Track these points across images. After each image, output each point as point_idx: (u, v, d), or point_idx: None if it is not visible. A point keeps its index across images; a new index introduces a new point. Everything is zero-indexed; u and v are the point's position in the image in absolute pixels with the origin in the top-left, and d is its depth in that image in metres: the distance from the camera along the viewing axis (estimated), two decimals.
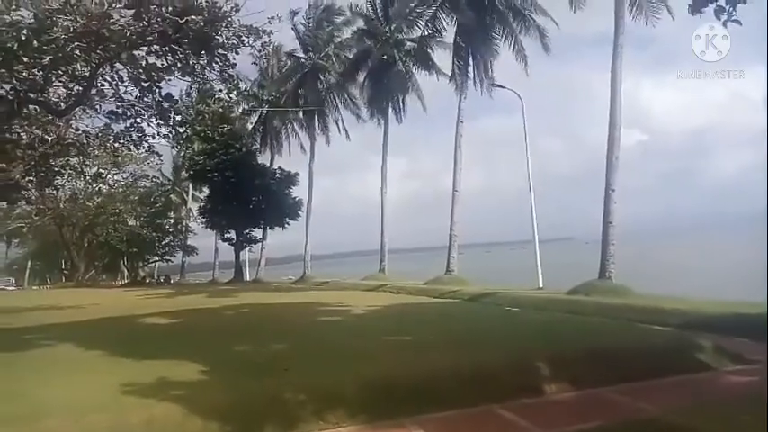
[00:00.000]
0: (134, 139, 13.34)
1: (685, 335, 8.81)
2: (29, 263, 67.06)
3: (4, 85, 10.87)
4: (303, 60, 36.50)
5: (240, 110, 36.88)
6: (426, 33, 27.96)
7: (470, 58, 25.62)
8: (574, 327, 10.09)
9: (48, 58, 9.71)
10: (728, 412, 5.04)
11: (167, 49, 11.22)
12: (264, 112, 40.13)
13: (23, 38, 8.82)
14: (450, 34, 26.52)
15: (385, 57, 30.11)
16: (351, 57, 33.81)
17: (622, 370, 6.64)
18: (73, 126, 15.14)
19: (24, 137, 13.86)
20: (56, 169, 16.77)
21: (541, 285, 19.32)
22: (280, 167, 40.19)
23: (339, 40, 36.03)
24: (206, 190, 43.27)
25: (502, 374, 6.36)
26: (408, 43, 30.82)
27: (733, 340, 8.33)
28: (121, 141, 13.89)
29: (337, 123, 37.10)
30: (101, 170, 30.03)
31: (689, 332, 9.07)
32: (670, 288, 16.66)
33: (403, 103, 32.28)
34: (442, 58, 29.16)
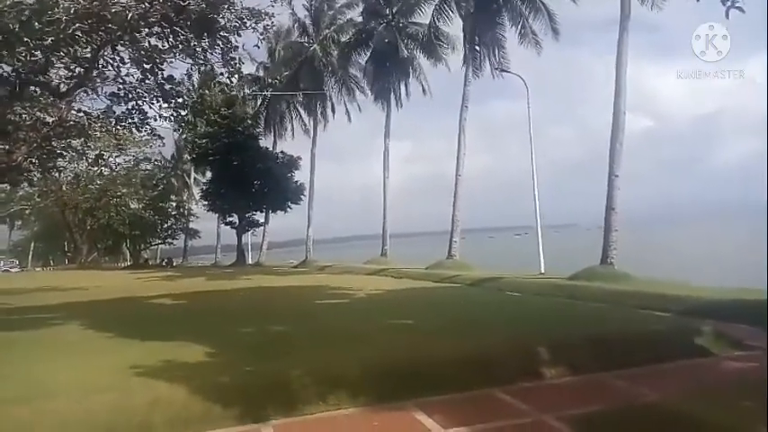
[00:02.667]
0: (135, 121, 13.33)
1: (685, 321, 8.83)
2: (32, 245, 67.46)
3: (5, 67, 10.82)
4: (305, 43, 36.23)
5: (243, 93, 36.69)
6: (434, 18, 27.67)
7: (478, 43, 25.36)
8: (574, 312, 10.13)
9: (49, 39, 9.66)
10: (728, 398, 5.07)
11: (169, 31, 11.16)
12: (267, 95, 39.92)
13: (25, 19, 8.77)
14: (458, 19, 26.27)
15: (387, 41, 29.87)
16: (353, 40, 33.56)
17: (622, 355, 6.67)
18: (74, 108, 15.09)
19: (26, 118, 13.82)
20: (58, 151, 16.73)
21: (543, 271, 19.36)
22: (282, 151, 40.14)
23: (341, 22, 35.73)
24: (208, 173, 43.22)
25: (502, 358, 6.40)
26: (412, 27, 30.55)
27: (733, 326, 8.35)
28: (123, 124, 13.87)
29: (345, 106, 36.96)
30: (102, 152, 29.93)
31: (689, 318, 9.09)
32: (672, 274, 16.68)
33: (406, 87, 32.13)
34: (448, 41, 28.87)
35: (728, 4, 5.11)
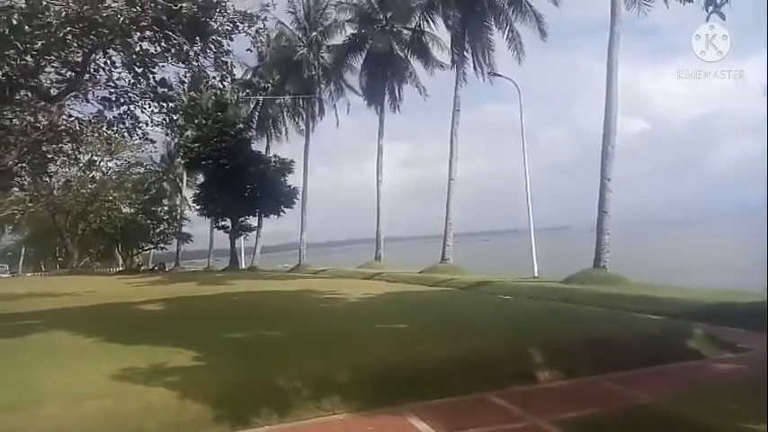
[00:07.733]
0: (127, 126, 13.24)
1: (678, 324, 8.87)
2: (23, 250, 66.88)
3: None
4: (297, 47, 36.19)
5: (235, 97, 36.58)
6: (422, 22, 27.78)
7: (468, 47, 25.47)
8: (568, 315, 10.14)
9: (40, 43, 9.58)
10: (718, 400, 5.09)
11: (161, 35, 11.10)
12: (260, 99, 39.82)
13: (15, 22, 8.69)
14: (448, 23, 26.40)
15: (381, 45, 29.96)
16: (346, 44, 33.59)
17: (615, 358, 6.69)
18: (66, 112, 14.99)
19: (17, 123, 13.73)
20: (49, 156, 16.61)
21: (537, 274, 19.40)
22: (275, 155, 40.04)
23: (333, 25, 35.75)
24: (201, 177, 43.03)
25: (495, 362, 6.40)
26: (405, 31, 30.64)
27: (725, 329, 8.40)
28: (115, 128, 13.79)
29: (335, 110, 37.05)
30: (94, 157, 29.78)
31: (682, 321, 9.13)
32: (666, 278, 16.76)
33: (400, 91, 32.20)
34: (440, 45, 29.05)
35: (711, 9, 5.14)
